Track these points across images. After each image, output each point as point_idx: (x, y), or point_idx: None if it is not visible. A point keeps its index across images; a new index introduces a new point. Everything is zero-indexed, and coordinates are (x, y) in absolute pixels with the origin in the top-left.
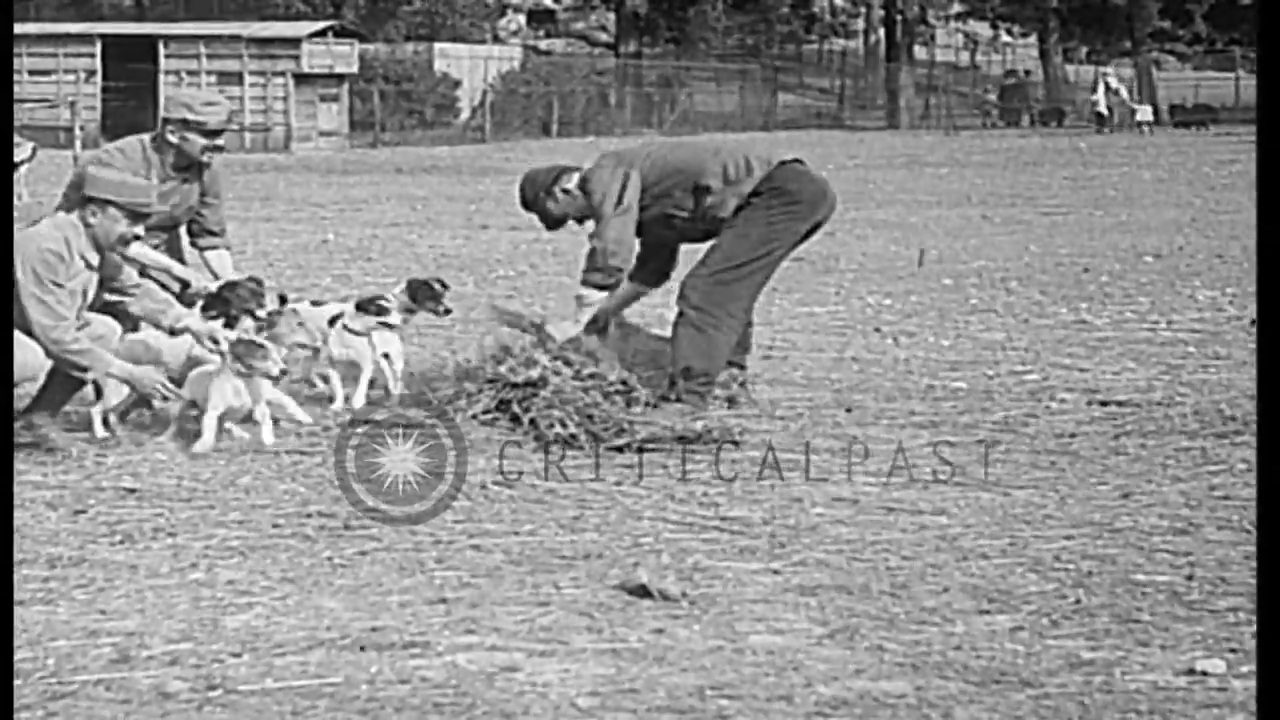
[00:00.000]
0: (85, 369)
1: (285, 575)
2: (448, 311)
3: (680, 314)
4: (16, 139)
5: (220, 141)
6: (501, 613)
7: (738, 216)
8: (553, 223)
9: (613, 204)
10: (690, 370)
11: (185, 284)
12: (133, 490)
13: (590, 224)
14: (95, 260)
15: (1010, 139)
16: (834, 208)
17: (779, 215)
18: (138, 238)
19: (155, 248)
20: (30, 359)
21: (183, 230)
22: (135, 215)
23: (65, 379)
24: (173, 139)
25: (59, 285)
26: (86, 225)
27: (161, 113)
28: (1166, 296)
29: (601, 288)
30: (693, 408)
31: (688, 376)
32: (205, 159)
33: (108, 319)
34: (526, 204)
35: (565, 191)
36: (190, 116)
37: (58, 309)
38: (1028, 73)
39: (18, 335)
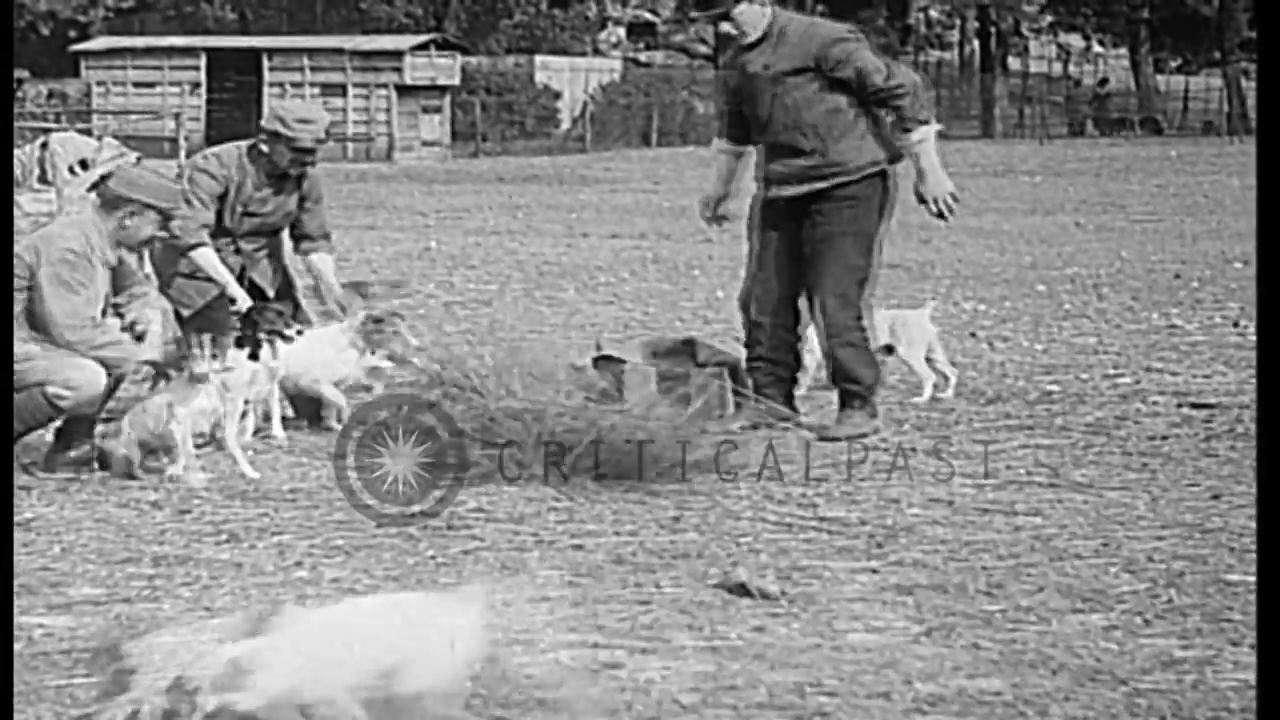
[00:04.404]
0: (116, 364)
1: (389, 574)
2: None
3: (833, 334)
4: (122, 149)
5: (309, 159)
6: (603, 611)
7: (851, 218)
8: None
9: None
10: (869, 385)
11: (233, 301)
12: (239, 491)
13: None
14: (113, 260)
15: (1101, 148)
16: None
17: (882, 224)
18: (161, 240)
19: (255, 252)
20: (89, 378)
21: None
22: (166, 217)
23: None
24: (265, 149)
25: (83, 285)
26: (122, 227)
27: (261, 122)
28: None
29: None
30: (871, 418)
31: (869, 390)
32: (293, 172)
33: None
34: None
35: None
36: (282, 130)
37: (81, 309)
38: (1104, 81)
39: (74, 358)
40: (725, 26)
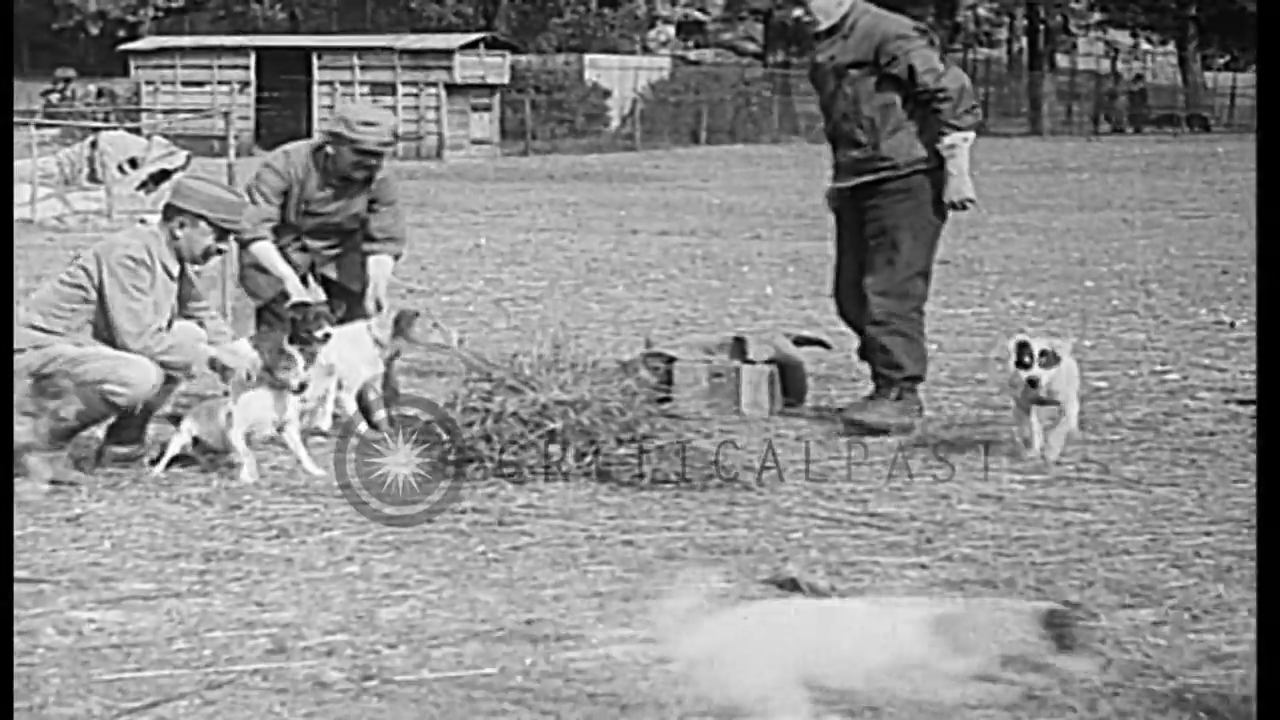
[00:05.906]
0: (181, 368)
1: (440, 569)
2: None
3: (880, 322)
4: (171, 147)
5: (373, 161)
6: (654, 606)
7: (905, 211)
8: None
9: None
10: (908, 375)
11: (286, 295)
12: (288, 486)
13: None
14: (176, 271)
15: (1149, 144)
16: None
17: (940, 220)
18: (220, 252)
19: (324, 250)
20: (144, 376)
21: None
22: (222, 231)
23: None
24: (330, 151)
25: (143, 291)
26: (173, 237)
27: (323, 123)
28: None
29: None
30: (911, 407)
31: (908, 380)
32: (356, 175)
33: (190, 325)
34: None
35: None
36: (345, 133)
37: (143, 315)
38: (1138, 78)
39: (130, 356)
40: (796, 11)
